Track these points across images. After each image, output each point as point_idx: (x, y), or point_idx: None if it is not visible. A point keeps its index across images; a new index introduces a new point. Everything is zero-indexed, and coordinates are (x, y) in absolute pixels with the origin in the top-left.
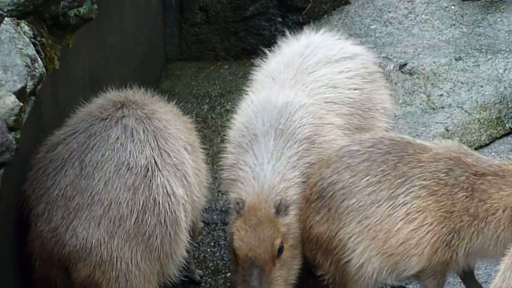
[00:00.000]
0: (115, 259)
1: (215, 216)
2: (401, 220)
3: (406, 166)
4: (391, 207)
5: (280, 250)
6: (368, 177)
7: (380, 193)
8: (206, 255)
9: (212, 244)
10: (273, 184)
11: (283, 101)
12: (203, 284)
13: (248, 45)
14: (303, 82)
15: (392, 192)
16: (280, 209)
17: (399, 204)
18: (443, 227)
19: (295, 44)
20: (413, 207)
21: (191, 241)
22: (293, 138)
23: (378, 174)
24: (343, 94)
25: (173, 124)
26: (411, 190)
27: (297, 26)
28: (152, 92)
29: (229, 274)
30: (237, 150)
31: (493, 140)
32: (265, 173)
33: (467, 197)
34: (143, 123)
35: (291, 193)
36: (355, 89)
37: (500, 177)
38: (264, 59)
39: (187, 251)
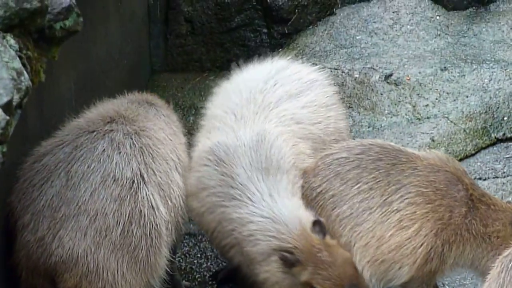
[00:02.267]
0: (101, 269)
1: None
2: (394, 226)
3: (400, 173)
4: (383, 213)
5: None
6: (359, 185)
7: (372, 200)
8: (193, 267)
9: (199, 255)
10: (294, 214)
11: (254, 138)
12: None
13: (234, 56)
14: (267, 116)
15: (385, 199)
16: (322, 228)
17: (393, 211)
18: (438, 238)
19: (251, 77)
20: (407, 214)
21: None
22: (280, 171)
23: (370, 181)
24: (307, 130)
25: (165, 143)
26: (406, 197)
27: (282, 37)
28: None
29: (216, 286)
30: (229, 207)
31: (479, 150)
32: (280, 212)
33: (467, 213)
34: (131, 138)
35: (309, 214)
36: (319, 123)
37: (492, 210)
38: (217, 90)
39: (171, 263)
